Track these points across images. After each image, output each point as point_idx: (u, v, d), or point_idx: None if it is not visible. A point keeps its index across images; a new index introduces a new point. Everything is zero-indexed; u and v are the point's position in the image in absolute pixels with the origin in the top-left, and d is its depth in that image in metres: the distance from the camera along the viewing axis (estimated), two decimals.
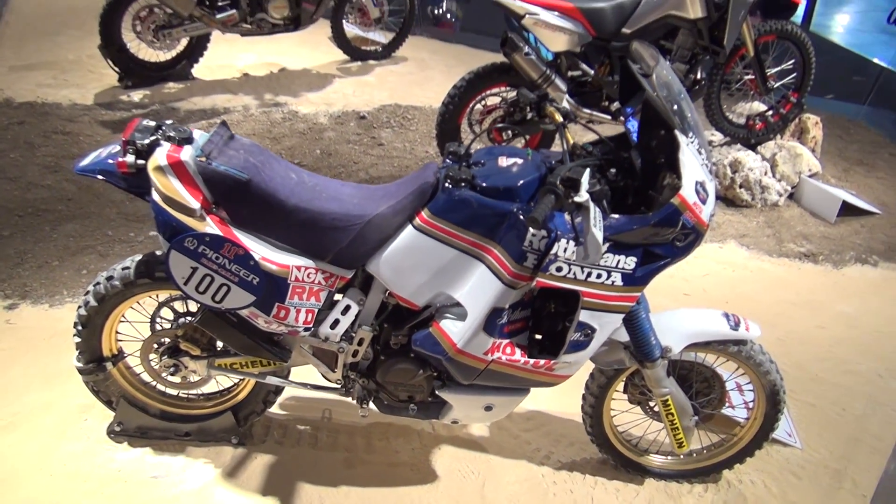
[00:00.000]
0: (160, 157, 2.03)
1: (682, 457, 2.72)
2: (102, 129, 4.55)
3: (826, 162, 5.21)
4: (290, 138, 4.79)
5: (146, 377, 2.59)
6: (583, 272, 2.05)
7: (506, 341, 2.19)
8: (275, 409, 2.74)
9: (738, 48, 4.66)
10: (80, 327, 2.41)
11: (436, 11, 7.16)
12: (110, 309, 2.39)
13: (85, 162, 2.18)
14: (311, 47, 6.46)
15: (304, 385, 2.49)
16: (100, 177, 2.14)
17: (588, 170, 1.97)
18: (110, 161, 2.14)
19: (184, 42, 5.25)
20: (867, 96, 6.91)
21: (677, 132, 2.01)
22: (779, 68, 4.94)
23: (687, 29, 4.28)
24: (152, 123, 2.15)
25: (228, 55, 5.87)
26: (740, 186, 4.72)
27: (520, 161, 2.16)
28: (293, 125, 4.90)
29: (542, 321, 2.29)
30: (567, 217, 2.04)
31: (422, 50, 6.48)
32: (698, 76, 4.49)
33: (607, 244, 2.02)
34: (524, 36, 4.13)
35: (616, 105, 4.33)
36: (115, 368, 2.52)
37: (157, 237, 3.46)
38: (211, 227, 2.04)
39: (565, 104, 4.20)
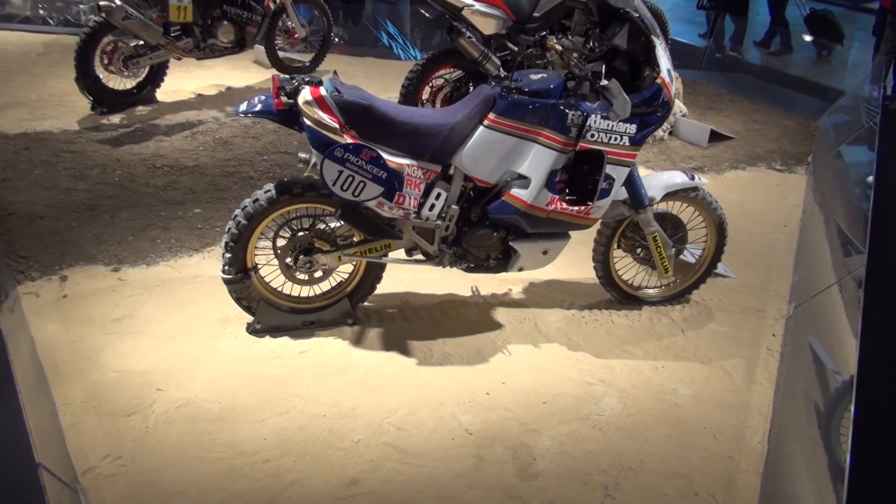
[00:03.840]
0: (306, 94, 2.87)
1: (663, 287, 3.80)
2: (102, 146, 5.10)
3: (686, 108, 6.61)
4: (267, 136, 5.54)
5: (274, 284, 3.35)
6: (606, 137, 3.08)
7: (558, 197, 3.17)
8: (367, 302, 3.55)
9: None
10: (231, 244, 3.13)
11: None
12: (255, 226, 3.13)
13: (242, 108, 2.98)
14: (242, 70, 7.19)
15: (409, 261, 3.34)
16: (252, 116, 2.97)
17: (603, 66, 3.02)
18: (259, 106, 2.97)
19: (146, 70, 5.88)
20: (701, 64, 8.57)
21: (653, 37, 3.10)
22: None
23: (581, 9, 5.46)
24: (289, 76, 2.99)
25: (177, 83, 6.48)
26: None
27: (545, 74, 3.17)
28: (265, 126, 5.64)
29: (577, 182, 3.28)
30: (589, 104, 3.06)
31: (339, 63, 7.35)
32: (592, 45, 5.69)
33: None
34: (463, 25, 5.16)
35: None
36: (255, 277, 3.26)
37: (200, 213, 4.19)
38: (349, 140, 2.90)
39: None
